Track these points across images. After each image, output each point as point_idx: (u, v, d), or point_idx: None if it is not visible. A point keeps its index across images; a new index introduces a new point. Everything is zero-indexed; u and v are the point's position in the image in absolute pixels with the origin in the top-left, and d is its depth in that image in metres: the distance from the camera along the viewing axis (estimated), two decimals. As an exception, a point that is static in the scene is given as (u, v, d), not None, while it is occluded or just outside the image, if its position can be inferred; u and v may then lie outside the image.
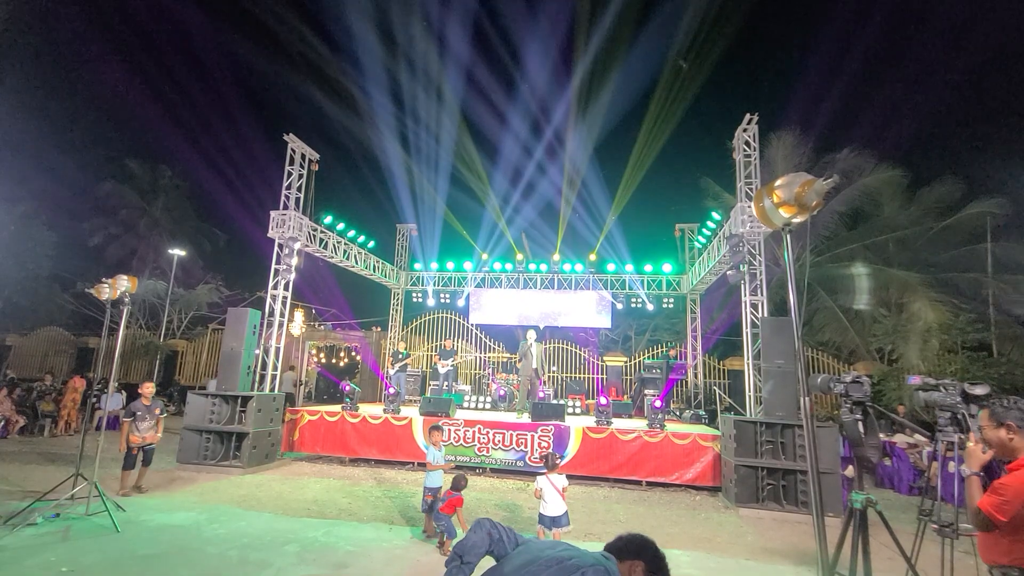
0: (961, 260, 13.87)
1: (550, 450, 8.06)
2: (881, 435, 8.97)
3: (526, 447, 8.36)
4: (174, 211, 23.68)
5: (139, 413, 6.49)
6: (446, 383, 11.64)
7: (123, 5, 26.44)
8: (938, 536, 3.64)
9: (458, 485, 5.10)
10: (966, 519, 3.85)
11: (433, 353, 14.59)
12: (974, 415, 3.28)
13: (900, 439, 9.02)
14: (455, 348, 13.03)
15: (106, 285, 5.77)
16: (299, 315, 17.08)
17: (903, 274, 13.21)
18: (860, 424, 2.63)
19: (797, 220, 2.21)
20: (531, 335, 10.09)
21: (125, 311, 5.84)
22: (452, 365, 11.92)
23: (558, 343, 15.42)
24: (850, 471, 7.44)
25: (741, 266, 8.39)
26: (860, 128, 20.76)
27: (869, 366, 12.88)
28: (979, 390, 3.24)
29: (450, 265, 14.40)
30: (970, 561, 4.27)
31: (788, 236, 2.30)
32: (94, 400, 10.37)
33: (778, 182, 2.19)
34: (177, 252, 19.66)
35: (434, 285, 14.49)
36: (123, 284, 5.75)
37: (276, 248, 9.45)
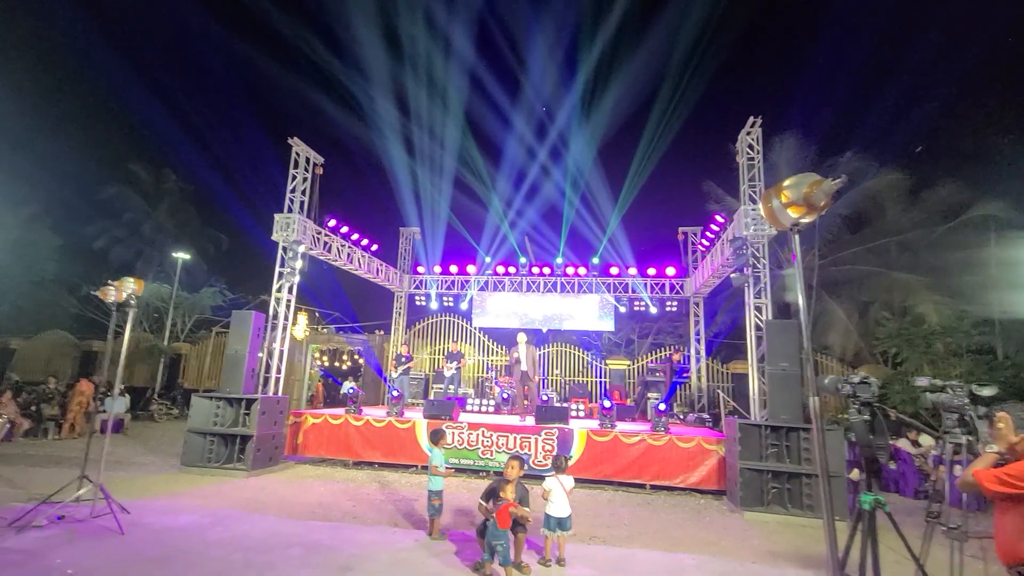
0: (965, 263, 13.83)
1: (556, 452, 8.06)
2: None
3: (530, 450, 8.35)
4: (178, 214, 23.81)
5: None
6: (451, 386, 11.63)
7: (128, 7, 26.62)
8: (946, 539, 3.62)
9: (490, 492, 4.45)
10: (975, 522, 3.83)
11: (440, 356, 14.62)
12: (982, 416, 3.28)
13: (904, 443, 8.97)
14: (461, 351, 13.03)
15: (112, 288, 5.77)
16: (303, 318, 17.11)
17: (906, 277, 13.19)
18: (868, 425, 2.62)
19: (805, 220, 2.21)
20: (521, 337, 10.09)
21: (131, 314, 5.85)
22: (457, 368, 11.91)
23: (561, 346, 15.40)
24: (855, 474, 7.41)
25: (745, 269, 8.39)
26: (863, 131, 20.72)
27: (873, 370, 12.84)
28: (987, 391, 3.24)
29: (453, 268, 14.39)
30: (979, 565, 4.26)
31: (796, 237, 2.30)
32: (98, 403, 10.42)
33: (786, 182, 2.20)
34: (181, 255, 19.76)
35: (437, 288, 14.49)
36: (129, 287, 5.76)
37: (280, 251, 9.47)
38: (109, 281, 5.85)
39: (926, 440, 8.84)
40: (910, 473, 8.60)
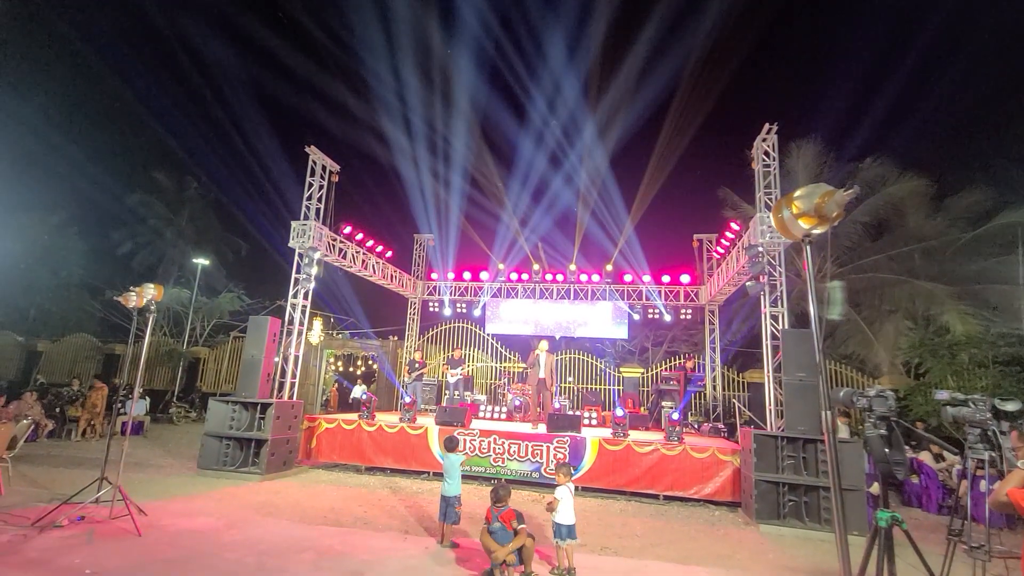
0: (992, 271, 13.46)
1: (568, 461, 8.01)
2: (908, 453, 8.72)
3: (541, 458, 8.31)
4: (198, 221, 24.32)
5: None
6: (456, 392, 11.64)
7: (149, 18, 27.38)
8: (968, 558, 3.51)
9: (499, 497, 4.58)
10: (999, 541, 3.71)
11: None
12: (1005, 432, 3.18)
13: (926, 457, 8.73)
14: (464, 357, 13.04)
15: (133, 293, 5.93)
16: (318, 324, 17.31)
17: (929, 286, 12.88)
18: (884, 440, 2.56)
19: (817, 231, 2.18)
20: (542, 345, 10.05)
21: (151, 319, 5.98)
22: (461, 375, 11.93)
23: (574, 354, 15.32)
24: (875, 488, 7.22)
25: (761, 277, 8.28)
26: (884, 136, 20.41)
27: (895, 380, 12.53)
28: (1010, 406, 3.14)
29: (467, 275, 14.44)
30: (1004, 585, 4.11)
31: (808, 247, 2.27)
32: (118, 406, 10.63)
33: (797, 193, 2.17)
34: (201, 261, 20.16)
35: (450, 295, 14.55)
36: (149, 292, 5.91)
37: (296, 258, 9.61)
38: (130, 287, 6.01)
39: (950, 454, 8.59)
40: (933, 488, 8.36)
